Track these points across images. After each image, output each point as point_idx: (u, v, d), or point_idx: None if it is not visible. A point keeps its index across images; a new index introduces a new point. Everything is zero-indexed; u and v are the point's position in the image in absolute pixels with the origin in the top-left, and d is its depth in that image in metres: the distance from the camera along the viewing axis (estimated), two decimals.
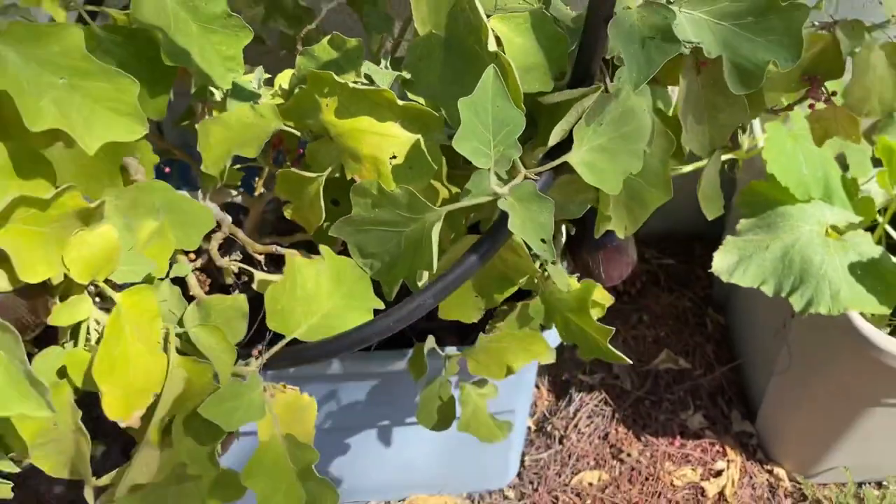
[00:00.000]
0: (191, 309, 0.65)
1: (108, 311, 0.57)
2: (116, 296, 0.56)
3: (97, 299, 0.59)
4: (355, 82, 0.66)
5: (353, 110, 0.67)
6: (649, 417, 1.30)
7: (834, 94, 0.77)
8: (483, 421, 0.83)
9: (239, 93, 0.74)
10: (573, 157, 0.64)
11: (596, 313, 0.79)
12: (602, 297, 0.81)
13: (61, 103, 0.51)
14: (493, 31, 0.62)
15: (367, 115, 0.67)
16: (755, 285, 0.99)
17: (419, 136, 0.67)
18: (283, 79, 0.75)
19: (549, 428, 1.29)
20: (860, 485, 1.22)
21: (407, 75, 0.67)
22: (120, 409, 0.55)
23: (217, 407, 0.59)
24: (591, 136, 0.64)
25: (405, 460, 1.15)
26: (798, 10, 0.62)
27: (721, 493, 1.23)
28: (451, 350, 0.83)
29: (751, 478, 1.24)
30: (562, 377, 1.35)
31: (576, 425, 1.29)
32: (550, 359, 0.81)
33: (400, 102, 0.66)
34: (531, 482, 1.24)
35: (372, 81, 0.68)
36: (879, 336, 0.93)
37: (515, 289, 0.77)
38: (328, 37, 0.70)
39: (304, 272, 0.66)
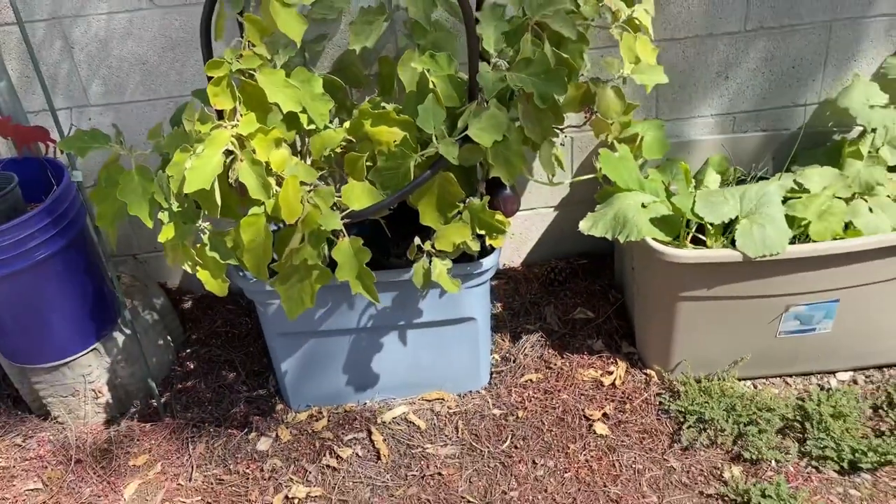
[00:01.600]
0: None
1: (281, 185, 1.43)
2: (287, 178, 1.42)
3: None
4: (376, 109, 1.56)
5: (376, 122, 1.56)
6: (568, 345, 2.06)
7: (596, 112, 1.64)
8: (445, 279, 1.63)
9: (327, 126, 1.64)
10: (470, 132, 1.51)
11: (500, 226, 1.62)
12: (502, 220, 1.64)
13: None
14: (432, 82, 1.52)
15: (384, 125, 1.56)
16: (601, 234, 1.80)
17: (405, 133, 1.55)
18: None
19: (507, 356, 2.06)
20: (707, 377, 1.94)
21: (400, 107, 1.56)
22: (289, 217, 1.39)
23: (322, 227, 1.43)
24: (476, 123, 1.51)
25: (416, 361, 1.92)
26: (561, 72, 1.51)
27: (613, 384, 1.96)
28: (426, 242, 1.65)
29: (632, 376, 1.98)
30: (516, 330, 2.13)
31: (524, 352, 2.06)
32: (475, 246, 1.62)
33: (398, 117, 1.55)
34: (495, 385, 1.99)
35: (384, 108, 1.57)
36: (660, 245, 1.73)
37: (457, 210, 1.61)
38: (368, 98, 1.61)
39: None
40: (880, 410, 1.85)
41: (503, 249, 2.36)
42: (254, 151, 1.35)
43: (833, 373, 1.97)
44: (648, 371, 1.99)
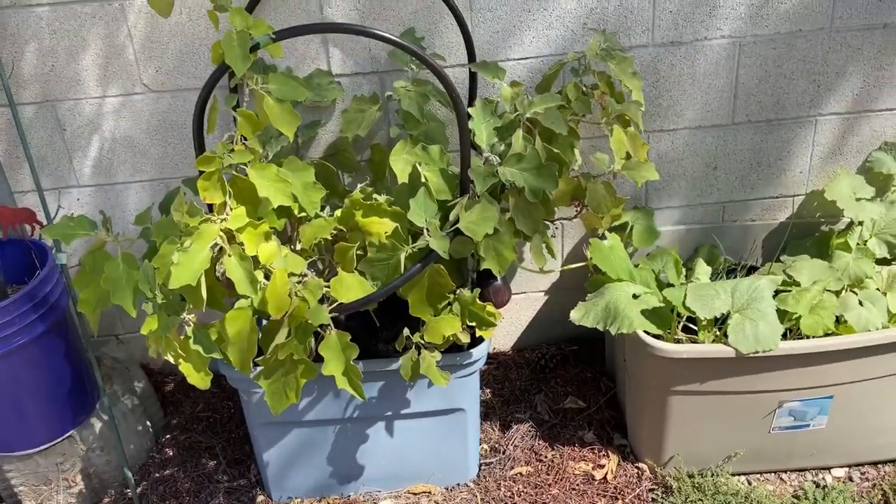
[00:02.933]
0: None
1: (269, 277, 1.40)
2: (276, 271, 1.40)
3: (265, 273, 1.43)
4: (368, 199, 1.55)
5: (367, 213, 1.55)
6: (559, 436, 2.02)
7: (586, 206, 1.65)
8: (434, 372, 1.59)
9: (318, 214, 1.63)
10: (461, 225, 1.50)
11: (490, 318, 1.60)
12: (493, 312, 1.62)
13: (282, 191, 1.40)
14: (424, 176, 1.52)
15: (375, 216, 1.55)
16: (592, 324, 1.78)
17: (396, 224, 1.54)
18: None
19: (496, 447, 2.01)
20: (701, 473, 1.89)
21: (391, 198, 1.56)
22: (276, 312, 1.36)
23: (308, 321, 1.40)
24: (467, 217, 1.50)
25: (403, 453, 1.87)
26: (552, 167, 1.52)
27: (604, 478, 1.91)
28: (416, 334, 1.62)
29: (625, 470, 1.93)
30: (506, 419, 2.09)
31: (514, 443, 2.01)
32: (465, 338, 1.60)
33: (389, 208, 1.54)
34: (484, 478, 1.94)
35: (375, 199, 1.56)
36: (652, 340, 1.71)
37: (447, 301, 1.59)
38: (360, 186, 1.61)
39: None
40: None
41: (496, 334, 2.33)
42: (242, 246, 1.33)
43: (828, 468, 1.93)
44: (641, 465, 1.94)
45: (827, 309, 1.82)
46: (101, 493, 1.95)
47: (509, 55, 1.92)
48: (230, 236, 1.34)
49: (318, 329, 1.45)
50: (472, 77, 1.85)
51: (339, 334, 1.43)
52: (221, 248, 1.33)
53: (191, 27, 1.85)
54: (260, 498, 1.92)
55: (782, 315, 1.80)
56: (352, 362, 1.42)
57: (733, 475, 1.90)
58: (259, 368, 1.47)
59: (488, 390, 2.19)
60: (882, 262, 2.02)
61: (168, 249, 1.35)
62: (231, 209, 1.35)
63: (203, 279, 1.33)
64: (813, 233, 2.17)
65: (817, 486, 1.88)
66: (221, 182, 1.34)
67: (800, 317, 1.81)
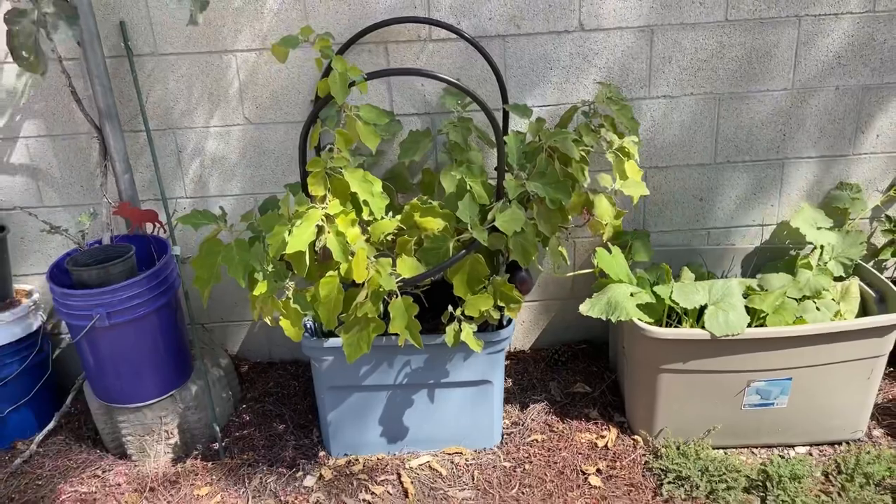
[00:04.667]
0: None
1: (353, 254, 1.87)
2: (359, 249, 1.87)
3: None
4: (425, 205, 2.03)
5: (424, 214, 2.03)
6: (569, 413, 2.43)
7: (593, 214, 2.11)
8: (471, 339, 2.03)
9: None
10: (496, 223, 1.97)
11: (515, 297, 2.05)
12: (518, 294, 2.07)
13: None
14: (469, 185, 2.00)
15: (430, 216, 2.02)
16: (598, 315, 2.22)
17: (446, 222, 2.01)
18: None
19: (517, 421, 2.42)
20: (685, 443, 2.29)
21: (442, 203, 2.04)
22: (359, 278, 1.82)
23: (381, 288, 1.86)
24: (501, 217, 1.97)
25: (440, 418, 2.29)
26: (567, 182, 2.00)
27: (605, 446, 2.31)
28: (457, 309, 2.06)
29: (622, 440, 2.33)
30: (525, 401, 2.50)
31: (531, 418, 2.42)
32: (496, 314, 2.04)
33: (441, 210, 2.01)
34: (506, 443, 2.35)
35: (430, 203, 2.04)
36: (643, 324, 2.14)
37: (482, 284, 2.04)
38: (417, 198, 2.08)
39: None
40: (830, 476, 2.19)
41: (516, 335, 2.77)
42: (337, 226, 1.80)
43: (792, 446, 2.32)
44: (636, 437, 2.35)
45: (788, 310, 2.26)
46: (191, 447, 2.38)
47: (535, 103, 2.42)
48: (329, 220, 1.82)
49: (386, 298, 1.91)
50: (505, 116, 2.35)
51: (404, 298, 1.89)
52: (322, 227, 1.80)
53: (285, 74, 2.37)
54: (321, 453, 2.34)
55: (753, 315, 2.24)
56: (413, 319, 1.87)
57: (713, 448, 2.30)
58: (340, 326, 1.92)
59: (509, 380, 2.61)
60: (839, 279, 2.46)
61: (281, 230, 1.83)
62: (329, 200, 1.83)
63: (307, 250, 1.79)
64: (783, 256, 2.61)
65: (783, 458, 2.27)
66: (324, 179, 1.83)
67: (766, 315, 2.25)
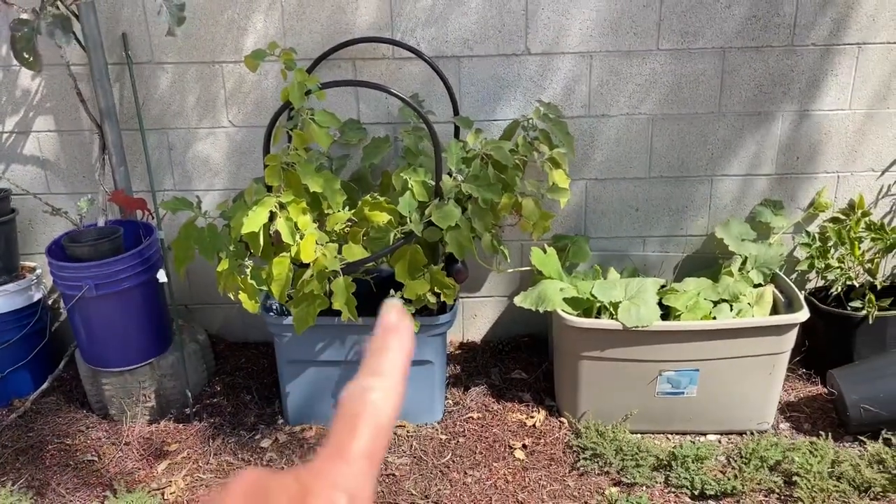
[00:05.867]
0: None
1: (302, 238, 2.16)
2: (308, 234, 2.16)
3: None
4: (374, 199, 2.32)
5: (372, 208, 2.32)
6: (504, 396, 2.70)
7: (522, 215, 2.39)
8: None
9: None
10: (432, 218, 2.25)
11: (448, 284, 2.33)
12: (451, 283, 2.35)
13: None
14: (411, 184, 2.29)
15: (377, 210, 2.31)
16: (528, 306, 2.49)
17: (391, 216, 2.30)
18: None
19: (458, 402, 2.69)
20: (604, 425, 2.54)
21: (389, 199, 2.33)
22: (306, 258, 2.12)
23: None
24: (437, 213, 2.26)
25: None
26: (497, 185, 2.28)
27: (533, 425, 2.57)
28: (398, 293, 2.34)
29: (549, 421, 2.59)
30: (468, 385, 2.77)
31: (471, 398, 2.69)
32: (433, 300, 2.32)
33: (387, 205, 2.30)
34: (446, 419, 2.61)
35: (378, 199, 2.33)
36: (565, 315, 2.41)
37: (421, 272, 2.32)
38: (370, 193, 2.38)
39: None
40: (731, 459, 2.43)
41: (469, 328, 3.05)
42: (288, 213, 2.10)
43: (704, 434, 2.57)
44: (562, 419, 2.60)
45: (702, 309, 2.51)
46: (166, 410, 2.67)
47: (486, 117, 2.72)
48: (282, 207, 2.12)
49: (331, 276, 2.20)
50: (457, 128, 2.64)
51: (344, 278, 2.18)
52: (274, 213, 2.10)
53: (265, 84, 2.69)
54: (280, 420, 2.62)
55: (669, 312, 2.50)
56: (351, 296, 2.16)
57: (631, 433, 2.55)
58: (290, 301, 2.21)
59: (458, 367, 2.88)
60: (758, 286, 2.71)
61: (240, 214, 2.13)
62: (283, 190, 2.13)
63: (262, 232, 2.09)
64: (711, 265, 2.87)
65: (692, 443, 2.51)
66: (279, 172, 2.13)
67: (681, 313, 2.51)
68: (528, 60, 2.66)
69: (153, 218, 2.68)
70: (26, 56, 1.90)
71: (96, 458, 2.46)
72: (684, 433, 2.57)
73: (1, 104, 2.70)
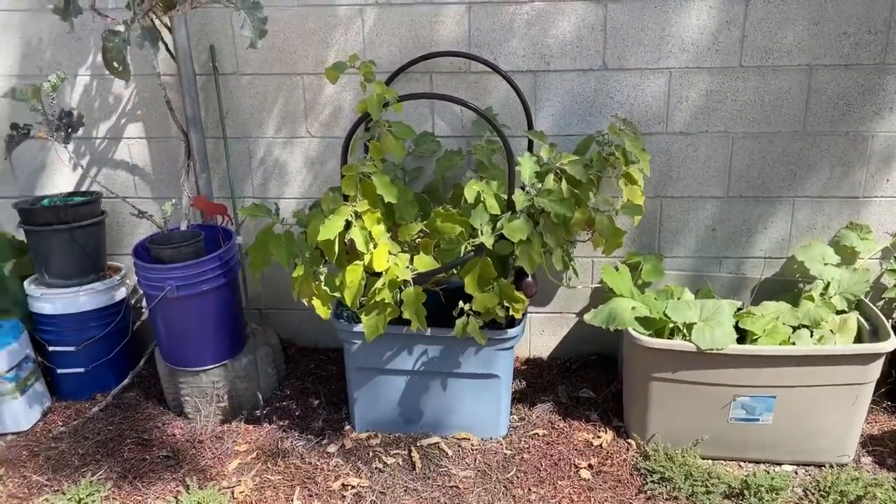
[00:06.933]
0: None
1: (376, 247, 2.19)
2: (381, 243, 2.19)
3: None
4: (447, 211, 2.33)
5: (444, 220, 2.33)
6: (571, 414, 2.66)
7: (595, 231, 2.36)
8: (476, 331, 2.31)
9: None
10: (504, 231, 2.25)
11: (517, 297, 2.32)
12: (521, 297, 2.34)
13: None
14: (483, 197, 2.29)
15: (449, 222, 2.33)
16: (599, 324, 2.46)
17: (462, 228, 2.31)
18: None
19: (523, 418, 2.67)
20: (673, 449, 2.48)
21: (461, 211, 2.34)
22: (379, 267, 2.14)
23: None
24: (508, 226, 2.25)
25: (452, 405, 2.56)
26: (570, 200, 2.27)
27: (600, 445, 2.53)
28: (467, 305, 2.35)
29: (617, 442, 2.54)
30: (534, 402, 2.75)
31: (537, 415, 2.66)
32: (501, 313, 2.31)
33: (459, 217, 2.31)
34: (511, 434, 2.60)
35: (450, 211, 2.34)
36: (637, 334, 2.37)
37: (490, 285, 2.32)
38: (441, 206, 2.40)
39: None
40: (808, 492, 2.33)
41: (536, 344, 3.02)
42: (363, 222, 2.14)
43: (779, 463, 2.47)
44: (629, 440, 2.55)
45: (780, 334, 2.43)
46: (237, 411, 2.74)
47: (560, 131, 2.70)
48: (357, 216, 2.15)
49: (401, 286, 2.22)
50: (530, 142, 2.64)
51: (415, 287, 2.19)
52: (350, 222, 2.14)
53: (343, 96, 2.75)
54: (347, 427, 2.65)
55: (745, 336, 2.42)
56: (420, 305, 2.17)
57: (702, 458, 2.47)
58: (362, 308, 2.24)
59: (524, 382, 2.86)
60: (840, 312, 2.60)
61: (317, 222, 2.17)
62: (359, 200, 2.17)
63: (337, 240, 2.13)
64: (791, 288, 2.77)
65: (766, 472, 2.42)
66: (356, 182, 2.17)
67: (758, 337, 2.43)
68: (605, 76, 2.63)
69: (232, 223, 2.77)
70: (116, 66, 2.00)
71: (171, 454, 2.53)
72: (758, 461, 2.48)
73: (95, 111, 2.84)
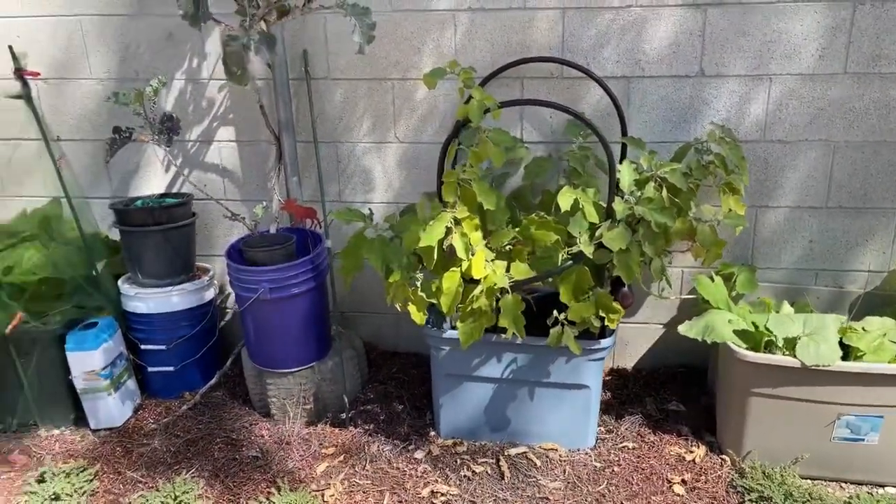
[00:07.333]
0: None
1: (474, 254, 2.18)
2: (479, 250, 2.17)
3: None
4: (541, 218, 2.31)
5: (539, 227, 2.30)
6: (661, 427, 2.60)
7: (695, 241, 2.30)
8: (571, 341, 2.27)
9: None
10: (603, 239, 2.21)
11: (614, 308, 2.27)
12: (618, 307, 2.29)
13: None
14: (582, 205, 2.26)
15: (544, 229, 2.30)
16: (694, 336, 2.40)
17: (558, 236, 2.28)
18: None
19: (611, 429, 2.62)
20: (771, 467, 2.40)
21: (557, 219, 2.31)
22: (477, 274, 2.13)
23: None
24: (608, 235, 2.22)
25: (539, 414, 2.53)
26: (672, 209, 2.22)
27: (693, 460, 2.47)
28: (561, 314, 2.31)
29: (710, 458, 2.48)
30: (621, 414, 2.70)
31: (625, 428, 2.61)
32: (597, 323, 2.28)
33: (555, 225, 2.28)
34: (598, 447, 2.55)
35: (546, 218, 2.32)
36: (737, 347, 2.30)
37: (586, 294, 2.29)
38: (534, 213, 2.37)
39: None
40: None
41: (620, 354, 2.97)
42: (463, 229, 2.12)
43: (883, 486, 2.37)
44: (724, 456, 2.48)
45: (887, 352, 2.33)
46: (322, 413, 2.75)
47: (653, 138, 2.65)
48: (456, 223, 2.14)
49: (498, 295, 2.20)
50: (623, 148, 2.59)
51: (513, 295, 2.17)
52: (450, 228, 2.13)
53: (432, 103, 2.75)
54: (432, 433, 2.64)
55: (850, 352, 2.34)
56: (519, 314, 2.15)
57: (801, 478, 2.39)
58: (458, 315, 2.23)
59: (608, 393, 2.81)
60: None
61: (416, 228, 2.17)
62: (458, 206, 2.16)
63: (436, 246, 2.12)
64: (893, 303, 2.66)
65: (870, 495, 2.33)
66: (456, 189, 2.15)
67: (864, 354, 2.34)
68: (702, 82, 2.57)
69: (320, 227, 2.78)
70: (235, 70, 2.02)
71: (259, 455, 2.56)
72: (860, 483, 2.39)
73: (188, 115, 2.89)
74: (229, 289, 3.15)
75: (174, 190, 3.02)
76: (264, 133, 2.84)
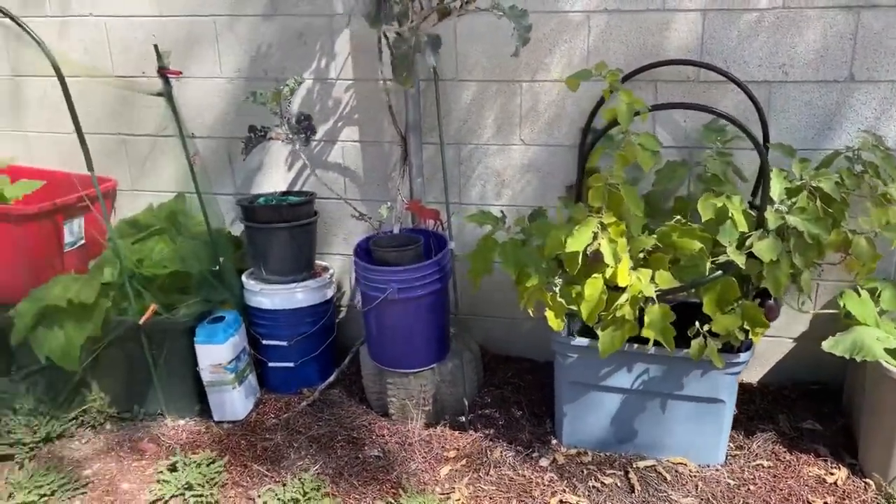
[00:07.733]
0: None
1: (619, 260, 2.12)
2: (624, 256, 2.12)
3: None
4: (684, 226, 2.24)
5: (682, 235, 2.23)
6: (797, 446, 2.50)
7: (850, 254, 2.20)
8: (714, 354, 2.19)
9: None
10: (754, 250, 2.13)
11: (762, 321, 2.19)
12: (764, 321, 2.20)
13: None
14: (731, 213, 2.18)
15: (688, 237, 2.23)
16: (841, 353, 2.29)
17: (703, 245, 2.21)
18: None
19: (741, 446, 2.53)
20: None
21: (702, 226, 2.23)
22: (622, 282, 2.07)
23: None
24: (759, 245, 2.13)
25: (669, 427, 2.46)
26: (826, 220, 2.12)
27: (834, 483, 2.35)
28: (704, 326, 2.24)
29: (853, 481, 2.36)
30: (750, 430, 2.60)
31: (757, 445, 2.52)
32: (741, 336, 2.19)
33: (700, 233, 2.21)
34: (730, 463, 2.46)
35: (690, 226, 2.24)
36: (891, 367, 2.19)
37: (731, 306, 2.20)
38: (676, 218, 2.30)
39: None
40: None
41: (745, 368, 2.87)
42: (610, 235, 2.07)
43: None
44: (868, 479, 2.36)
45: None
46: (440, 415, 2.74)
47: (795, 145, 2.54)
48: (603, 228, 2.09)
49: (642, 304, 2.14)
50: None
51: (661, 305, 2.11)
52: (596, 234, 2.08)
53: (560, 104, 2.70)
54: (554, 441, 2.59)
55: None
56: (668, 325, 2.08)
57: None
58: (598, 323, 2.18)
59: (735, 408, 2.71)
60: None
61: (558, 233, 2.13)
62: (605, 212, 2.11)
63: (582, 251, 2.08)
64: None
65: None
66: (602, 193, 2.11)
67: None
68: (851, 88, 2.46)
69: (444, 228, 2.77)
70: (402, 72, 2.02)
71: (381, 455, 2.56)
72: None
73: (316, 114, 2.92)
74: (345, 287, 3.18)
75: (296, 188, 3.05)
76: (388, 134, 2.84)
